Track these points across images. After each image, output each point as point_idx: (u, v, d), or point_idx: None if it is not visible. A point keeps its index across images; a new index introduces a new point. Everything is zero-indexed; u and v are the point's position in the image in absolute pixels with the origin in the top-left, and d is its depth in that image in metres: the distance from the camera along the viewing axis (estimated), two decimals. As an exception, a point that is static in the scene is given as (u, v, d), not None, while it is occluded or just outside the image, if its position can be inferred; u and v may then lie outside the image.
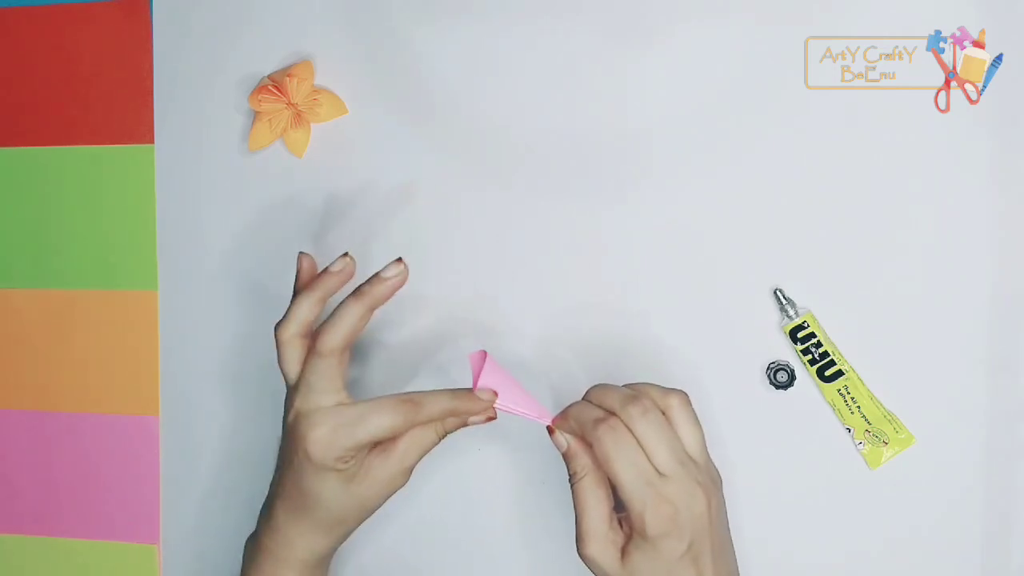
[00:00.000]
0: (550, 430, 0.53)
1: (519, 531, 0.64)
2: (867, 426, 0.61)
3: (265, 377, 0.67)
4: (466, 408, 0.54)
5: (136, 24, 0.69)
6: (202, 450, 0.68)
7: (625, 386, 0.53)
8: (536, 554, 0.64)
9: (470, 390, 0.54)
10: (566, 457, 0.52)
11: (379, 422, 0.53)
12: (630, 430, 0.50)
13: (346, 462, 0.53)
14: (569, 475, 0.52)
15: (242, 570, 0.58)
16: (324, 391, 0.54)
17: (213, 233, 0.68)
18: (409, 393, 0.54)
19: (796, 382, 0.61)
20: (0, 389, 0.71)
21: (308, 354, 0.55)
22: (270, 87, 0.64)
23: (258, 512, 0.67)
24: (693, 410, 0.52)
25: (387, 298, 0.55)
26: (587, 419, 0.51)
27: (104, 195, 0.69)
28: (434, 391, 0.55)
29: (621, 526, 0.51)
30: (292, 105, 0.65)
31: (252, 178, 0.67)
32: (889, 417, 0.61)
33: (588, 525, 0.50)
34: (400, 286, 0.55)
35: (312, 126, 0.66)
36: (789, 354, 0.62)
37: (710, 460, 0.52)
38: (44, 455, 0.70)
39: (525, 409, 0.54)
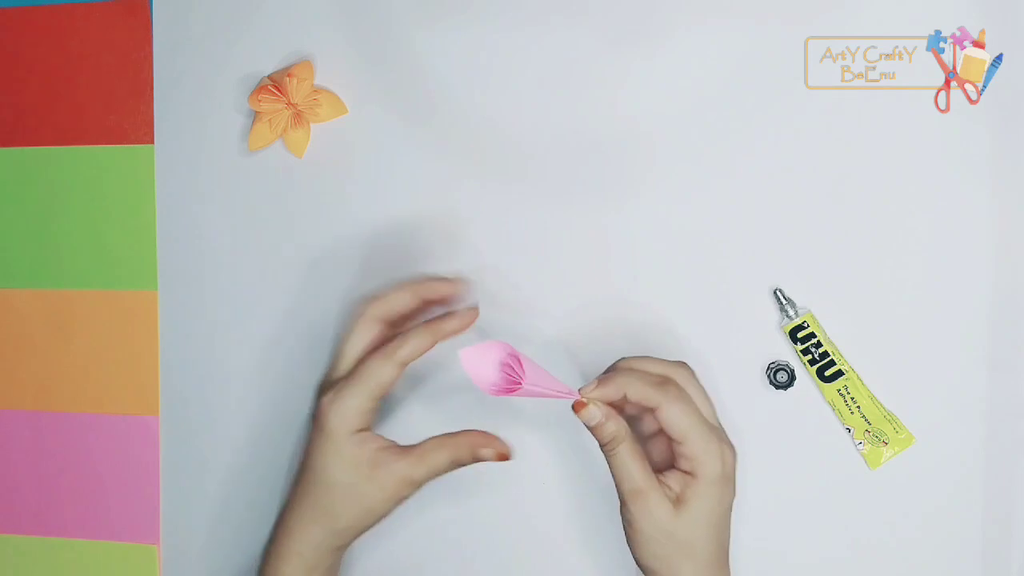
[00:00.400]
0: (578, 405, 0.53)
1: (519, 532, 0.64)
2: (867, 426, 0.61)
3: (265, 377, 0.67)
4: (444, 329, 0.56)
5: (136, 24, 0.69)
6: (202, 450, 0.68)
7: (630, 358, 0.55)
8: (536, 554, 0.64)
9: (447, 314, 0.57)
10: (596, 429, 0.53)
11: (369, 376, 0.54)
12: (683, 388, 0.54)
13: (354, 433, 0.54)
14: (601, 444, 0.53)
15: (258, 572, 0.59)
16: (369, 398, 0.54)
17: (213, 233, 0.68)
18: (389, 338, 0.56)
19: (796, 382, 0.61)
20: (0, 389, 0.71)
21: (376, 352, 0.55)
22: (270, 87, 0.64)
23: (258, 511, 0.68)
24: (698, 380, 0.56)
25: (451, 336, 0.57)
26: (649, 384, 0.53)
27: (104, 195, 0.69)
28: (412, 328, 0.56)
29: (662, 481, 0.53)
30: (292, 105, 0.65)
31: (252, 178, 0.67)
32: (889, 417, 0.61)
33: (641, 482, 0.52)
34: (465, 329, 0.57)
35: (312, 126, 0.66)
36: (789, 354, 0.62)
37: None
38: (44, 455, 0.70)
39: (553, 388, 0.53)
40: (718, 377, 0.62)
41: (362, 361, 0.55)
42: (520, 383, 0.52)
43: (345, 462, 0.54)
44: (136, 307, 0.69)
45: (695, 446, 0.52)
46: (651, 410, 0.53)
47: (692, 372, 0.55)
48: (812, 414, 0.62)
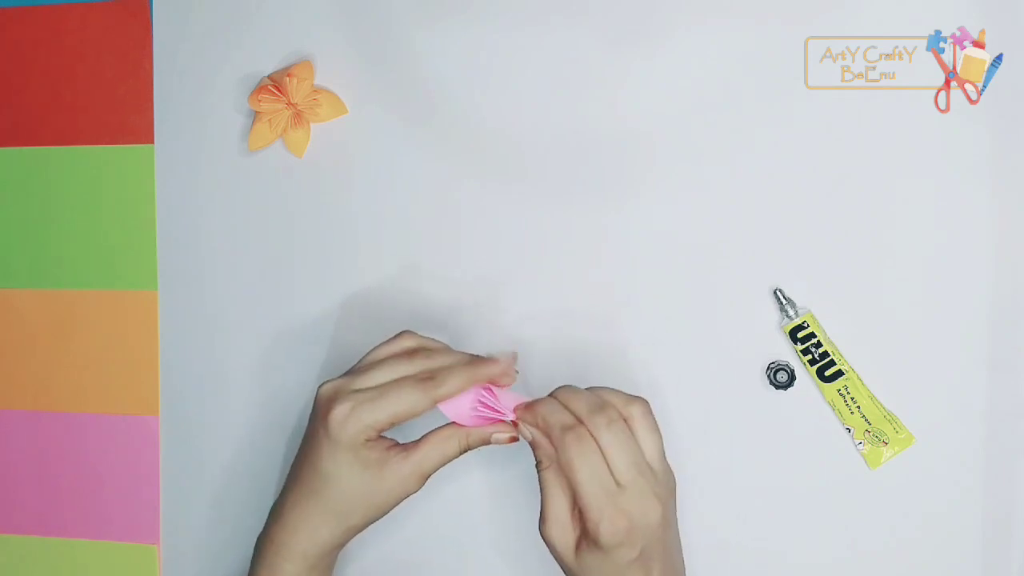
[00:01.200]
0: (514, 423, 0.54)
1: (518, 533, 0.64)
2: (867, 426, 0.61)
3: (265, 377, 0.67)
4: (485, 374, 0.55)
5: (136, 24, 0.69)
6: (202, 450, 0.68)
7: (588, 389, 0.53)
8: (536, 555, 0.64)
9: (486, 357, 0.55)
10: (532, 446, 0.54)
11: (398, 402, 0.53)
12: (594, 438, 0.51)
13: (364, 443, 0.53)
14: (536, 461, 0.54)
15: (251, 566, 0.58)
16: (389, 420, 0.54)
17: (213, 233, 0.68)
18: (428, 370, 0.55)
19: (796, 382, 0.61)
20: (0, 389, 0.71)
21: (413, 380, 0.54)
22: (270, 87, 0.64)
23: (258, 511, 0.68)
24: (654, 418, 0.53)
25: (489, 381, 0.55)
26: (555, 423, 0.52)
27: (104, 195, 0.69)
28: (451, 365, 0.55)
29: (579, 519, 0.52)
30: (292, 105, 0.65)
31: (252, 178, 0.67)
32: (889, 417, 0.61)
33: (550, 510, 0.52)
34: (505, 377, 0.55)
35: (312, 126, 0.66)
36: (789, 354, 0.62)
37: (667, 467, 0.53)
38: (44, 455, 0.70)
39: (501, 411, 0.54)
40: (718, 377, 0.62)
41: (396, 383, 0.54)
42: (501, 413, 0.54)
43: (356, 468, 0.54)
44: (136, 307, 0.69)
45: (585, 504, 0.50)
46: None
47: (643, 410, 0.53)
48: (812, 414, 0.62)
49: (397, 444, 0.55)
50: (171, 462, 0.69)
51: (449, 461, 0.55)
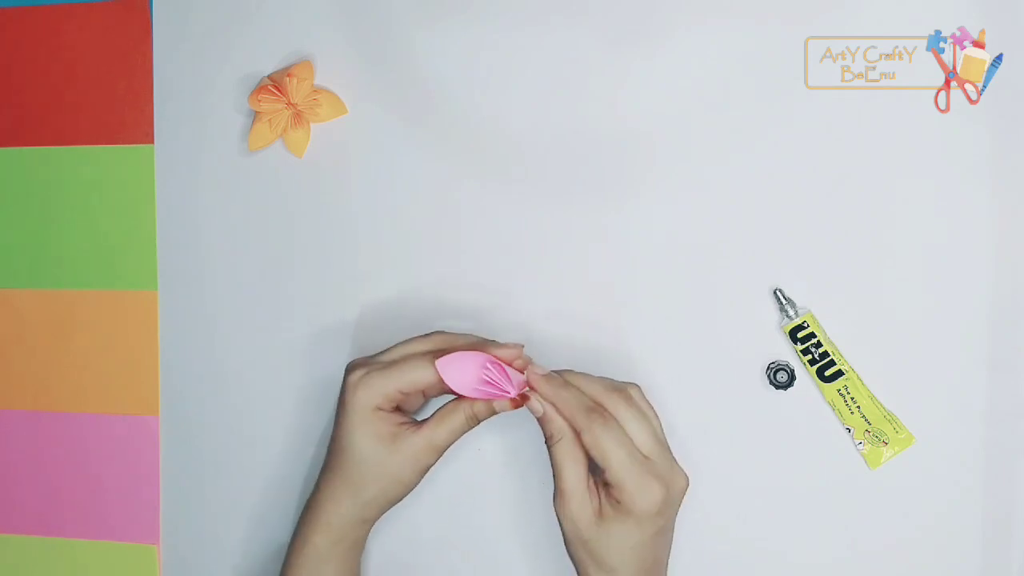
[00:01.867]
0: (518, 399, 0.55)
1: (517, 531, 0.64)
2: (867, 426, 0.61)
3: (265, 377, 0.67)
4: (494, 352, 0.56)
5: (136, 24, 0.69)
6: (202, 450, 0.68)
7: (573, 373, 0.56)
8: (535, 554, 0.64)
9: (495, 342, 0.58)
10: (542, 421, 0.55)
11: (408, 372, 0.56)
12: (616, 415, 0.54)
13: (374, 411, 0.55)
14: (546, 437, 0.55)
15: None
16: (397, 387, 0.56)
17: (213, 233, 0.68)
18: (442, 346, 0.57)
19: (796, 382, 0.61)
20: (0, 389, 0.71)
21: (423, 355, 0.57)
22: (270, 87, 0.64)
23: (258, 510, 0.68)
24: (648, 400, 0.56)
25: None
26: (578, 405, 0.54)
27: (104, 195, 0.69)
28: (464, 344, 0.57)
29: (597, 490, 0.54)
30: (292, 105, 0.65)
31: (252, 178, 0.67)
32: (889, 417, 0.61)
33: (567, 484, 0.54)
34: (514, 360, 0.57)
35: (312, 126, 0.66)
36: (789, 354, 0.62)
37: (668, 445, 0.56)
38: (44, 455, 0.70)
39: (504, 388, 0.55)
40: (718, 377, 0.62)
41: (408, 357, 0.57)
42: (504, 390, 0.55)
43: (368, 437, 0.56)
44: (136, 307, 0.69)
45: (620, 478, 0.53)
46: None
47: (640, 393, 0.56)
48: (812, 414, 0.62)
49: (412, 421, 0.57)
50: (171, 462, 0.69)
51: (461, 434, 0.57)
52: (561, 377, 0.56)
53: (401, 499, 0.58)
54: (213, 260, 0.68)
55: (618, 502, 0.53)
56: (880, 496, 0.61)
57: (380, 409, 0.56)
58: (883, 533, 0.61)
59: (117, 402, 0.69)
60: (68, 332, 0.70)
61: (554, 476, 0.54)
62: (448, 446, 0.57)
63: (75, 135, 0.70)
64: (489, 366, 0.55)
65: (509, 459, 0.64)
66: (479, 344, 0.57)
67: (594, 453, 0.53)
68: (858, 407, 0.61)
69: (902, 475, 0.61)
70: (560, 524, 0.55)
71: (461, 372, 0.55)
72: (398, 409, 0.58)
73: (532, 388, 0.55)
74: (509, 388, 0.55)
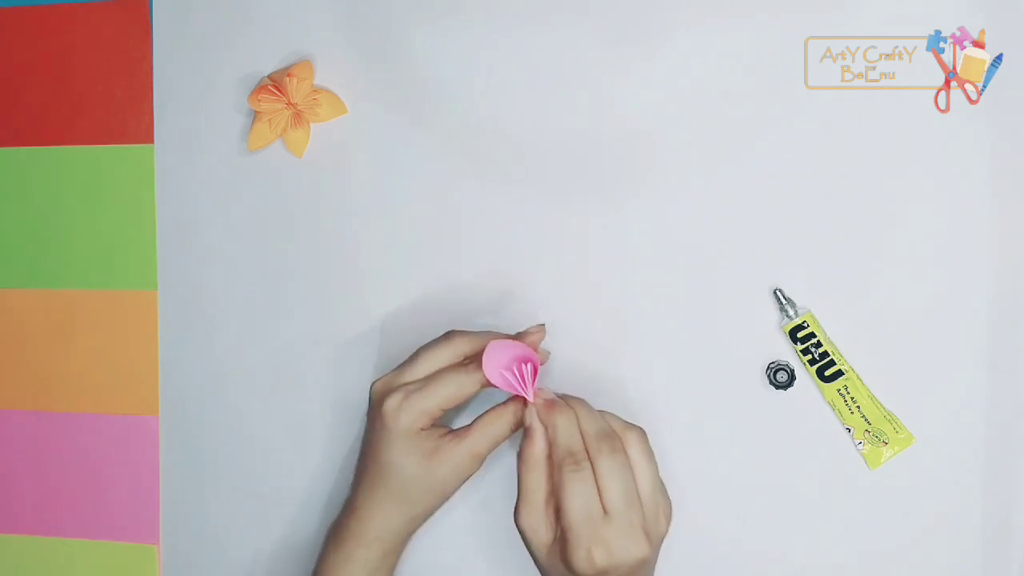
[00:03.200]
0: (527, 402, 0.55)
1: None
2: (867, 426, 0.61)
3: (265, 377, 0.67)
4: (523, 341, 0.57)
5: (136, 24, 0.69)
6: (202, 450, 0.68)
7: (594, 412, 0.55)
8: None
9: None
10: (527, 432, 0.54)
11: (446, 387, 0.56)
12: (594, 465, 0.52)
13: (418, 432, 0.56)
14: (520, 448, 0.54)
15: (321, 553, 0.60)
16: (440, 405, 0.56)
17: (213, 233, 0.68)
18: (467, 355, 0.58)
19: (796, 382, 0.61)
20: (0, 389, 0.71)
21: (459, 367, 0.57)
22: (270, 87, 0.64)
23: (258, 511, 0.68)
24: (649, 447, 0.54)
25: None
26: (563, 443, 0.53)
27: (104, 195, 0.69)
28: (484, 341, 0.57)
29: (557, 519, 0.52)
30: (292, 105, 0.65)
31: (252, 178, 0.67)
32: (889, 417, 0.61)
33: (527, 499, 0.53)
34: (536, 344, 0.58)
35: (312, 126, 0.66)
36: (789, 354, 0.62)
37: (662, 496, 0.53)
38: (44, 455, 0.70)
39: (525, 386, 0.55)
40: (718, 377, 0.62)
41: (441, 372, 0.57)
42: (524, 387, 0.55)
43: (414, 456, 0.56)
44: (136, 307, 0.69)
45: (567, 527, 0.51)
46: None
47: (639, 439, 0.54)
48: (812, 414, 0.62)
49: (451, 431, 0.57)
50: (171, 462, 0.69)
51: (502, 440, 0.57)
52: (565, 404, 0.54)
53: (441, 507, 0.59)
54: (213, 260, 0.68)
55: (564, 550, 0.51)
56: (880, 496, 0.61)
57: (423, 429, 0.56)
58: (883, 533, 0.61)
59: (117, 402, 0.69)
60: (68, 332, 0.70)
61: (518, 488, 0.53)
62: (490, 452, 0.57)
63: (75, 135, 0.70)
64: (523, 365, 0.55)
65: (508, 456, 0.64)
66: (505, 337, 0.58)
67: (558, 494, 0.52)
68: (858, 407, 0.61)
69: (902, 475, 0.61)
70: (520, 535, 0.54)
71: (499, 356, 0.56)
72: (437, 422, 0.58)
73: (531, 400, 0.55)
74: (528, 392, 0.55)
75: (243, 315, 0.67)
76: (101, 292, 0.69)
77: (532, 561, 0.55)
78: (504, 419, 0.56)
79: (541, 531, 0.53)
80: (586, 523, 0.51)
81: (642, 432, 0.54)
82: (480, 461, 0.57)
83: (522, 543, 0.54)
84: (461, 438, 0.56)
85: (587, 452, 0.52)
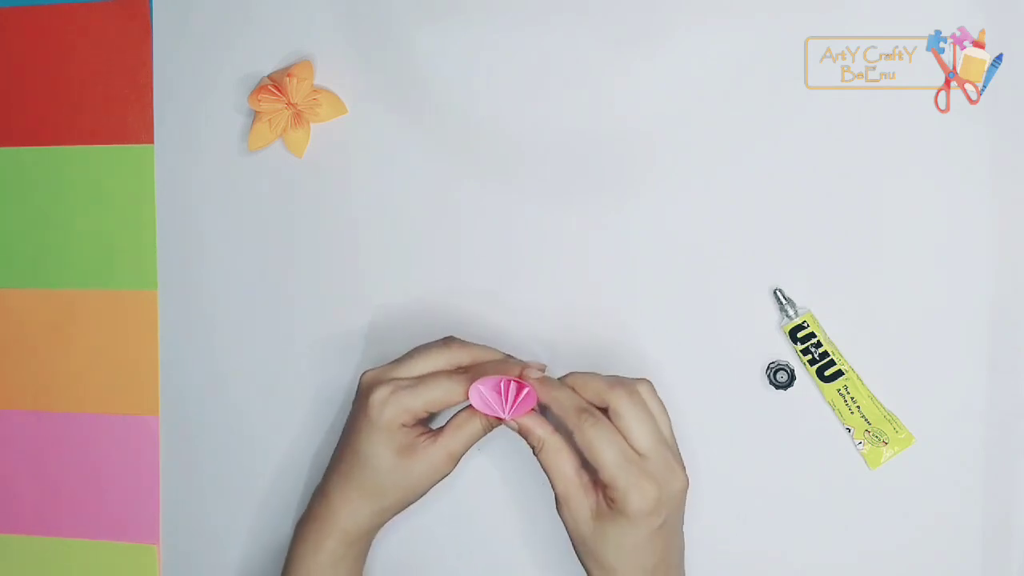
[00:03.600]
0: (504, 420, 0.56)
1: (519, 531, 0.64)
2: (867, 426, 0.61)
3: (265, 377, 0.67)
4: (515, 370, 0.57)
5: (136, 24, 0.69)
6: (202, 450, 0.68)
7: (576, 373, 0.56)
8: (536, 553, 0.64)
9: (518, 361, 0.58)
10: (522, 433, 0.55)
11: (434, 390, 0.56)
12: (616, 411, 0.53)
13: (399, 427, 0.56)
14: (532, 449, 0.55)
15: (291, 542, 0.60)
16: (425, 407, 0.56)
17: (213, 233, 0.68)
18: (462, 364, 0.58)
19: (796, 382, 0.61)
20: (0, 389, 0.71)
21: (451, 373, 0.57)
22: (270, 87, 0.64)
23: (258, 511, 0.68)
24: (659, 397, 0.55)
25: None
26: (569, 407, 0.54)
27: (104, 195, 0.69)
28: (485, 363, 0.58)
29: (595, 489, 0.54)
30: (292, 105, 0.65)
31: (252, 178, 0.67)
32: (889, 417, 0.61)
33: (558, 489, 0.54)
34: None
35: (312, 126, 0.66)
36: (789, 354, 0.62)
37: (675, 444, 0.55)
38: (44, 455, 0.70)
39: (497, 409, 0.56)
40: (718, 377, 0.62)
41: (433, 374, 0.57)
42: (496, 410, 0.55)
43: (390, 450, 0.56)
44: (136, 307, 0.69)
45: (611, 476, 0.52)
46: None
47: (649, 389, 0.55)
48: (812, 414, 0.62)
49: (428, 430, 0.58)
50: (171, 462, 0.69)
51: (475, 441, 0.57)
52: (555, 379, 0.56)
53: (413, 503, 0.59)
54: (213, 260, 0.68)
55: (613, 501, 0.52)
56: (880, 496, 0.61)
57: (404, 425, 0.57)
58: (883, 533, 0.61)
59: (117, 402, 0.69)
60: (68, 332, 0.70)
61: (551, 483, 0.55)
62: (465, 451, 0.57)
63: (75, 135, 0.70)
64: (501, 384, 0.55)
65: (510, 455, 0.64)
66: (502, 362, 0.58)
67: (587, 454, 0.53)
68: (858, 407, 0.61)
69: (902, 475, 0.61)
70: (565, 526, 0.55)
71: (484, 381, 0.56)
72: (419, 422, 0.58)
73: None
74: (501, 412, 0.55)
75: (243, 315, 0.67)
76: (101, 292, 0.69)
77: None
78: (476, 419, 0.57)
79: (583, 510, 0.53)
80: (627, 465, 0.52)
81: (650, 383, 0.55)
82: (454, 461, 0.57)
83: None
84: (436, 439, 0.57)
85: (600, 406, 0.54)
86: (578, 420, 0.53)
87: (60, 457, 0.70)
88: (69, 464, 0.70)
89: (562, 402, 0.54)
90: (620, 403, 0.53)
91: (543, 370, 0.57)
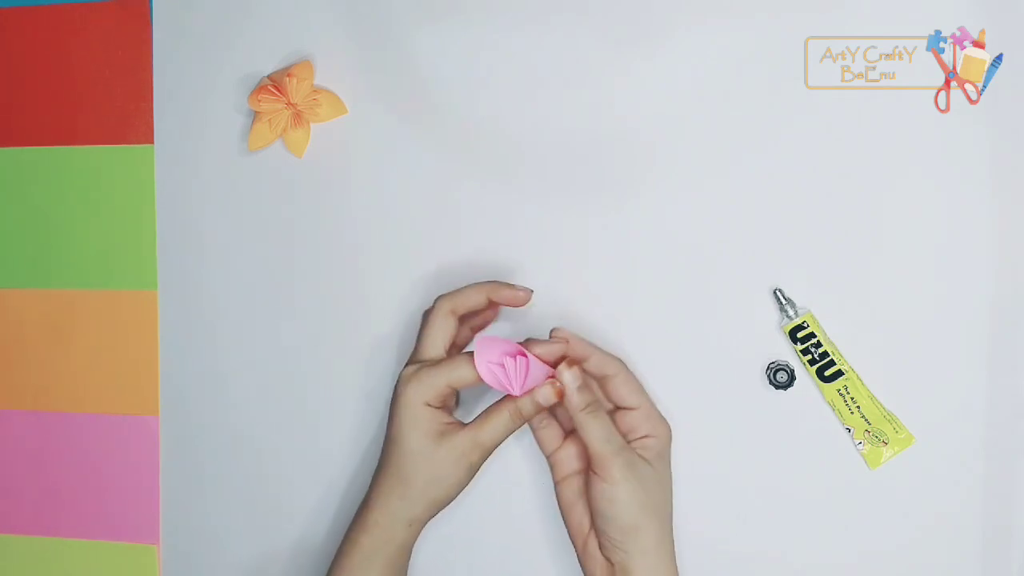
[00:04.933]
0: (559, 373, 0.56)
1: (521, 531, 0.64)
2: (867, 426, 0.61)
3: (265, 377, 0.67)
4: (499, 292, 0.59)
5: (136, 24, 0.69)
6: (202, 450, 0.68)
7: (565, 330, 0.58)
8: (538, 553, 0.64)
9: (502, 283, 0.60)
10: (579, 391, 0.56)
11: (456, 368, 0.56)
12: (619, 375, 0.58)
13: (424, 405, 0.56)
14: (582, 408, 0.55)
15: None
16: (447, 384, 0.56)
17: (213, 233, 0.68)
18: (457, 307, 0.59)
19: (796, 382, 0.61)
20: (0, 389, 0.71)
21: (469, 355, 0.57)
22: (270, 87, 0.64)
23: (257, 511, 0.68)
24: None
25: (509, 302, 0.59)
26: (603, 353, 0.58)
27: (104, 195, 0.69)
28: (475, 291, 0.59)
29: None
30: (292, 105, 0.65)
31: (252, 178, 0.67)
32: (889, 417, 0.61)
33: (621, 439, 0.56)
34: (521, 304, 0.59)
35: (312, 126, 0.66)
36: (789, 354, 0.62)
37: None
38: (44, 455, 0.70)
39: (512, 384, 0.56)
40: (718, 377, 0.62)
41: (456, 356, 0.57)
42: (511, 389, 0.55)
43: (417, 431, 0.56)
44: (136, 307, 0.69)
45: (651, 409, 0.58)
46: (601, 380, 0.58)
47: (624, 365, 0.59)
48: (812, 414, 0.62)
49: (457, 421, 0.57)
50: (171, 462, 0.69)
51: (507, 432, 0.57)
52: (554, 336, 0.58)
53: (449, 501, 0.58)
54: (213, 260, 0.68)
55: (648, 436, 0.57)
56: (880, 496, 0.61)
57: (429, 405, 0.56)
58: (883, 533, 0.61)
59: (117, 402, 0.69)
60: (68, 332, 0.70)
61: (601, 442, 0.55)
62: (495, 445, 0.57)
63: (75, 135, 0.70)
64: (508, 359, 0.55)
65: (511, 457, 0.64)
66: (492, 287, 0.59)
67: (629, 391, 0.58)
68: (858, 407, 0.61)
69: (902, 475, 0.61)
70: (608, 495, 0.55)
71: (489, 351, 0.55)
72: (446, 407, 0.58)
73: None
74: (515, 387, 0.55)
75: (243, 315, 0.67)
76: (101, 292, 0.69)
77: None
78: (506, 408, 0.56)
79: (642, 461, 0.56)
80: (649, 407, 0.58)
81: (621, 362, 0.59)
82: (483, 451, 0.56)
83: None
84: (466, 428, 0.57)
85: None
86: (618, 364, 0.58)
87: (60, 457, 0.70)
88: (69, 464, 0.70)
89: (597, 353, 0.58)
90: (605, 360, 0.58)
91: (528, 294, 0.59)
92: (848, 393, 0.61)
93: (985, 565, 0.60)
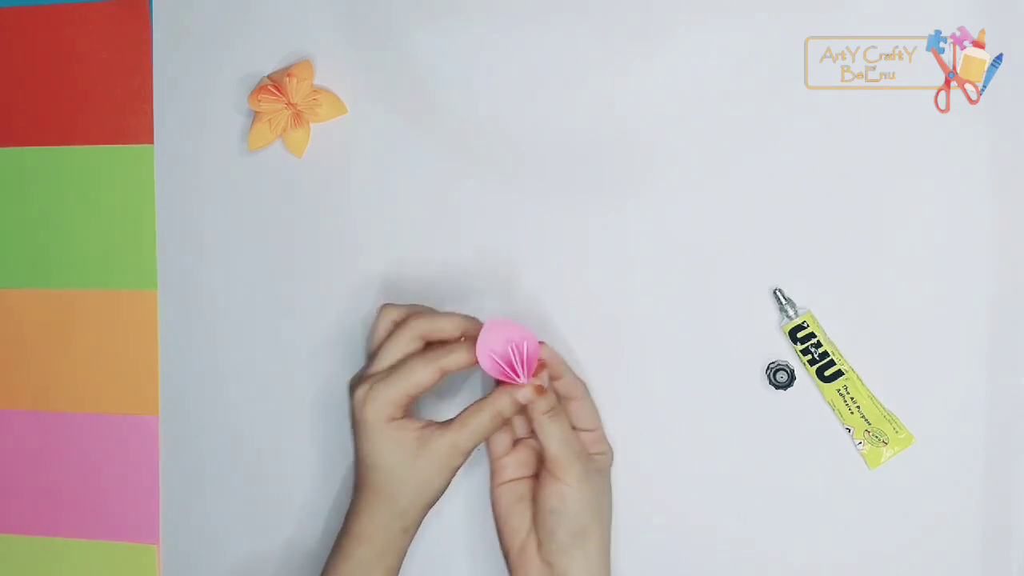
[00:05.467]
0: (540, 389, 0.57)
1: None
2: (867, 426, 0.61)
3: (265, 377, 0.67)
4: (474, 330, 0.57)
5: (136, 24, 0.69)
6: (202, 450, 0.68)
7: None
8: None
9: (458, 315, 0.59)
10: (544, 394, 0.56)
11: (409, 375, 0.56)
12: (583, 397, 0.60)
13: (388, 421, 0.56)
14: (544, 411, 0.56)
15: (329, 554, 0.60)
16: (405, 393, 0.56)
17: (213, 233, 0.68)
18: (428, 339, 0.58)
19: (796, 382, 0.61)
20: (0, 389, 0.71)
21: (419, 355, 0.57)
22: (270, 87, 0.64)
23: (257, 511, 0.68)
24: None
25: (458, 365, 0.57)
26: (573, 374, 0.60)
27: (104, 195, 0.69)
28: (456, 343, 0.57)
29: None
30: (292, 105, 0.65)
31: (252, 178, 0.67)
32: (889, 417, 0.61)
33: (580, 444, 0.58)
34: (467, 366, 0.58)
35: (312, 126, 0.66)
36: (789, 354, 0.62)
37: None
38: (44, 455, 0.70)
39: (518, 375, 0.56)
40: (718, 377, 0.62)
41: (404, 361, 0.57)
42: (516, 377, 0.56)
43: (389, 447, 0.56)
44: (136, 307, 0.69)
45: (603, 434, 0.60)
46: (565, 401, 0.59)
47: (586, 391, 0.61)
48: (812, 414, 0.62)
49: (433, 423, 0.57)
50: (171, 462, 0.69)
51: (487, 434, 0.57)
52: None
53: (435, 502, 0.58)
54: (213, 260, 0.68)
55: (602, 454, 0.59)
56: (880, 496, 0.61)
57: (393, 418, 0.56)
58: (883, 533, 0.61)
59: (117, 402, 0.69)
60: (68, 332, 0.70)
61: (559, 446, 0.56)
62: (475, 447, 0.57)
63: (75, 135, 0.70)
64: (514, 348, 0.55)
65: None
66: (471, 324, 0.58)
67: (590, 412, 0.60)
68: (858, 407, 0.61)
69: (902, 475, 0.61)
70: (564, 496, 0.56)
71: (493, 339, 0.55)
72: (409, 414, 0.57)
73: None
74: (520, 376, 0.55)
75: (243, 315, 0.67)
76: (101, 292, 0.69)
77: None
78: (487, 411, 0.56)
79: (598, 466, 0.59)
80: (600, 432, 0.60)
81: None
82: (464, 454, 0.56)
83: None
84: (444, 430, 0.56)
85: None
86: (582, 386, 0.60)
87: (60, 457, 0.70)
88: (69, 464, 0.70)
89: (568, 372, 0.59)
90: (574, 385, 0.59)
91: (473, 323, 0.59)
92: (848, 393, 0.61)
93: (985, 565, 0.60)
